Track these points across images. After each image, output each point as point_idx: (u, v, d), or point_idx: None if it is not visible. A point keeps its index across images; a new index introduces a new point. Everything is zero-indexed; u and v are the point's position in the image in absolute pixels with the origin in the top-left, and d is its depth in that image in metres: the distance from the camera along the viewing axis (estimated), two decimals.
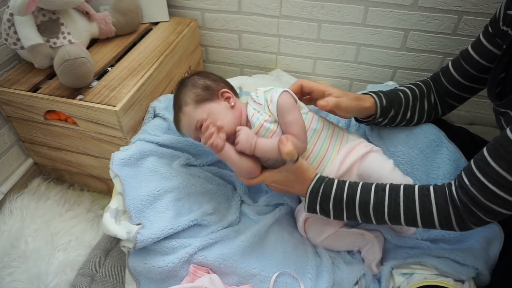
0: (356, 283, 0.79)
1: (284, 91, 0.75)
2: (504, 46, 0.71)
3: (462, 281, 0.73)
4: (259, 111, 0.76)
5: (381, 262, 0.83)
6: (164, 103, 1.03)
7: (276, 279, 0.76)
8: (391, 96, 0.84)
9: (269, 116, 0.75)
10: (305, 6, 1.22)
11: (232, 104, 0.79)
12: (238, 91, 1.08)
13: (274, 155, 0.72)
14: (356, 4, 1.17)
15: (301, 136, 0.73)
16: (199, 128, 0.77)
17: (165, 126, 1.00)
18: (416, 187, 0.69)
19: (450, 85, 0.84)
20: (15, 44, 1.02)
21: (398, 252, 0.83)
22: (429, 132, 0.87)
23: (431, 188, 0.67)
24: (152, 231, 0.76)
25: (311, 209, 0.75)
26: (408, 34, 1.20)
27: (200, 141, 0.78)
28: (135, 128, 1.03)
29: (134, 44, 1.19)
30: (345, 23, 1.23)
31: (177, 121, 0.82)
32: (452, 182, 0.66)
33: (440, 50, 1.20)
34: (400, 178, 0.76)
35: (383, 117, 0.84)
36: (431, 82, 0.88)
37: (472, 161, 0.63)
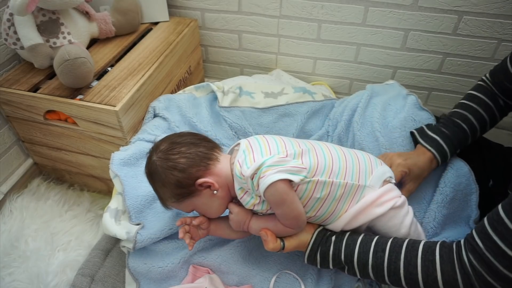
0: (357, 280, 0.79)
1: (271, 184, 0.61)
2: None
3: None
4: (247, 191, 0.66)
5: None
6: (164, 103, 1.03)
7: (276, 279, 0.76)
8: (455, 139, 0.78)
9: (259, 197, 0.66)
10: (305, 6, 1.22)
11: (215, 192, 0.67)
12: (238, 91, 1.08)
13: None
14: (356, 4, 1.17)
15: (293, 225, 0.67)
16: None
17: (165, 126, 0.99)
18: (420, 248, 0.61)
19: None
20: (15, 44, 1.02)
21: None
22: None
23: (437, 250, 0.59)
24: (152, 231, 0.76)
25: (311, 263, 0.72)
26: (408, 34, 1.20)
27: None
28: (135, 128, 1.03)
29: (134, 44, 1.19)
30: (345, 23, 1.23)
31: (164, 205, 0.73)
32: (461, 243, 0.58)
33: (440, 50, 1.20)
34: (413, 236, 0.71)
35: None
36: (493, 88, 0.81)
37: (485, 220, 0.55)
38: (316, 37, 1.29)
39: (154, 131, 0.97)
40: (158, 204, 0.82)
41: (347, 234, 0.69)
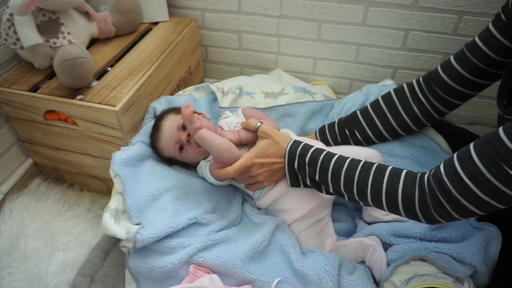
0: None
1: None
2: None
3: (461, 282, 0.73)
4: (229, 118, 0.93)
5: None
6: (164, 104, 1.03)
7: (276, 285, 0.76)
8: (345, 123, 0.93)
9: (239, 120, 0.91)
10: (305, 6, 1.22)
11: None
12: (238, 91, 1.08)
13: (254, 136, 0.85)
14: (356, 4, 1.17)
15: (268, 120, 0.92)
16: (180, 127, 0.86)
17: None
18: (391, 166, 0.69)
19: (452, 81, 0.78)
20: (14, 44, 1.02)
21: (397, 248, 0.81)
22: (425, 142, 0.90)
23: (405, 170, 0.67)
24: (152, 230, 0.76)
25: (290, 166, 0.79)
26: (408, 34, 1.20)
27: (178, 149, 0.87)
28: (135, 128, 1.03)
29: (134, 44, 1.19)
30: (345, 23, 1.23)
31: (157, 133, 0.89)
32: (428, 171, 0.65)
33: (440, 50, 1.20)
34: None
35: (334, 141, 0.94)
36: (422, 84, 0.85)
37: (455, 153, 0.61)
38: (316, 37, 1.29)
39: None
40: (157, 204, 0.83)
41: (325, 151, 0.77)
